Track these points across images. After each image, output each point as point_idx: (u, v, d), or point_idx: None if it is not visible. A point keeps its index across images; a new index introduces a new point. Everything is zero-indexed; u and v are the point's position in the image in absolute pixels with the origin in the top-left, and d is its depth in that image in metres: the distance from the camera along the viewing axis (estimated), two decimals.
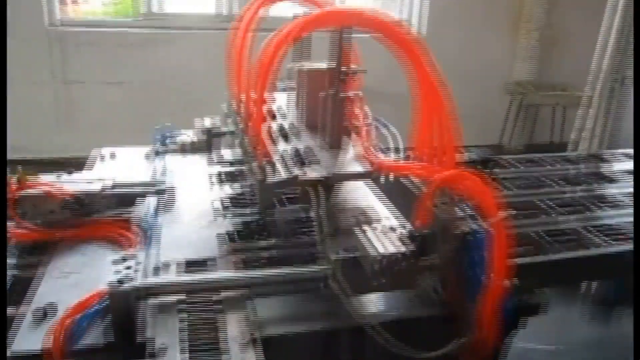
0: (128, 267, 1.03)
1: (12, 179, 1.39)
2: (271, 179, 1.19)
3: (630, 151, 2.26)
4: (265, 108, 1.32)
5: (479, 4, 5.19)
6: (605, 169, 2.07)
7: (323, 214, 1.13)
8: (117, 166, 1.83)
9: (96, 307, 1.04)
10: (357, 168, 1.28)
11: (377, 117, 1.63)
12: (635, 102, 2.79)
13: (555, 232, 1.53)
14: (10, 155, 3.06)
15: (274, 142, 1.38)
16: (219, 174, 1.76)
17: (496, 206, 1.07)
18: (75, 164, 1.72)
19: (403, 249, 1.02)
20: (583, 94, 3.26)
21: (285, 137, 1.43)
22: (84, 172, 1.70)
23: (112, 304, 1.00)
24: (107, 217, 1.44)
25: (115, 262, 1.05)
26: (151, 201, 1.52)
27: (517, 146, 5.24)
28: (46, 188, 1.38)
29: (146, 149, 1.98)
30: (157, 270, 1.17)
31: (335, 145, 1.38)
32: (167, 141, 1.97)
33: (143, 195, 1.53)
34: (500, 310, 1.09)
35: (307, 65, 1.53)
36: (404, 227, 1.18)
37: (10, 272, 1.32)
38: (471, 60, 5.12)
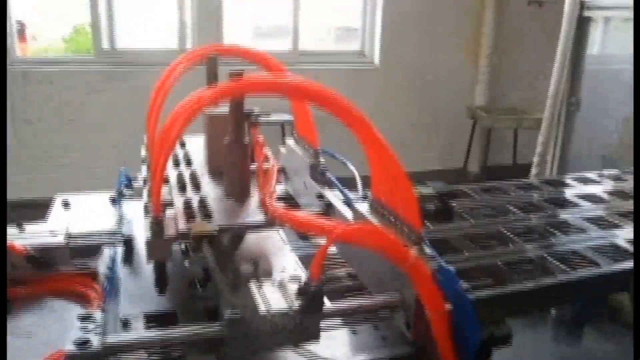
0: (88, 327, 1.00)
1: None
2: (160, 235, 1.16)
3: (585, 175, 2.33)
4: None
5: (433, 32, 5.34)
6: (565, 192, 2.13)
7: (215, 269, 1.08)
8: (80, 213, 1.79)
9: None
10: (257, 217, 1.27)
11: (324, 149, 1.65)
12: (636, 102, 2.86)
13: (518, 261, 1.56)
14: None
15: (170, 192, 1.36)
16: None
17: (405, 251, 1.07)
18: (34, 206, 1.68)
19: (295, 305, 0.99)
20: (532, 116, 3.37)
21: (183, 188, 1.41)
22: (46, 220, 1.67)
23: None
24: (69, 270, 1.40)
25: (82, 319, 1.02)
26: (112, 252, 1.49)
27: (480, 169, 5.37)
28: (8, 242, 1.34)
29: (109, 194, 1.95)
30: (117, 327, 1.15)
31: (237, 194, 1.36)
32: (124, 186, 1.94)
33: (104, 244, 1.51)
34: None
35: (213, 109, 1.50)
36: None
37: None
38: (433, 86, 5.27)
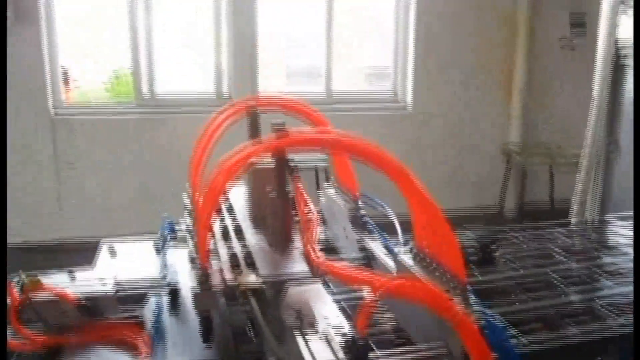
0: None
1: (13, 286, 1.39)
2: (207, 286, 1.19)
3: (625, 214, 2.27)
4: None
5: (468, 73, 5.37)
6: (608, 236, 2.09)
7: (263, 321, 1.10)
8: (125, 260, 1.83)
9: None
10: (302, 267, 1.28)
11: (364, 193, 1.66)
12: (636, 102, 2.81)
13: (569, 310, 1.52)
14: (12, 238, 3.07)
15: (215, 244, 1.37)
16: None
17: (452, 306, 1.06)
18: (75, 248, 1.72)
19: (341, 358, 0.99)
20: (567, 154, 3.33)
21: (227, 237, 1.43)
22: (93, 268, 1.71)
23: None
24: (117, 319, 1.43)
25: None
26: (158, 300, 1.52)
27: (516, 208, 5.28)
28: (58, 291, 1.38)
29: (151, 240, 2.00)
30: None
31: (279, 245, 1.38)
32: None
33: (151, 294, 1.54)
34: None
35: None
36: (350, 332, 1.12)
37: None
38: (468, 124, 5.26)
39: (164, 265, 1.76)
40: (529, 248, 1.99)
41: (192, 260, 1.31)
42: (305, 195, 1.48)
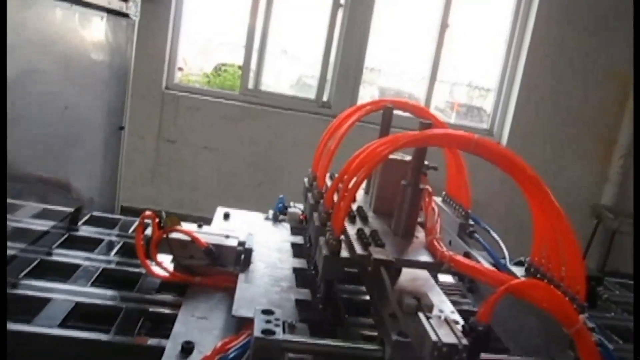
0: (277, 319, 1.12)
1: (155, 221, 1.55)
2: (340, 255, 1.28)
3: None
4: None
5: (567, 124, 5.28)
6: None
7: (384, 296, 1.17)
8: (236, 226, 1.97)
9: (238, 351, 1.13)
10: (425, 257, 1.34)
11: (476, 217, 1.70)
12: (636, 102, 2.70)
13: None
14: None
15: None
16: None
17: (575, 314, 1.08)
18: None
19: (464, 340, 1.03)
20: None
21: (353, 219, 1.51)
22: (212, 226, 1.86)
23: (257, 351, 1.08)
24: (236, 272, 1.55)
25: (264, 312, 1.14)
26: None
27: (597, 272, 5.08)
28: (194, 235, 1.52)
29: (256, 214, 2.16)
30: (291, 328, 1.26)
31: (404, 233, 1.45)
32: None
33: None
34: None
35: None
36: (464, 320, 1.18)
37: (143, 307, 1.46)
38: (559, 176, 5.15)
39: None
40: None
41: (320, 232, 1.41)
42: (430, 190, 1.56)
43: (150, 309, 1.45)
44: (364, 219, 1.52)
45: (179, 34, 5.11)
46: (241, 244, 1.62)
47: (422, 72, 5.51)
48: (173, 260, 1.55)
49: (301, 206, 2.17)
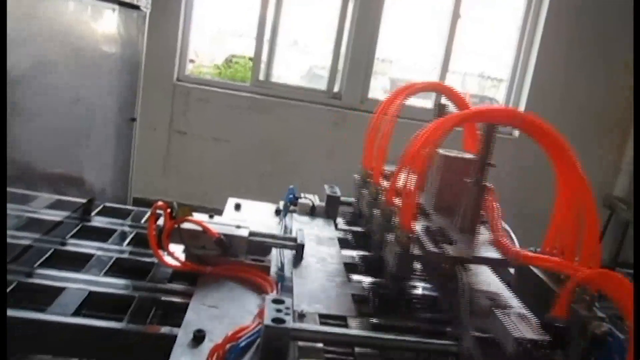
0: (287, 308, 1.13)
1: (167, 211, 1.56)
2: (413, 251, 1.28)
3: None
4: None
5: (580, 114, 5.23)
6: None
7: (462, 292, 1.19)
8: (247, 217, 1.98)
9: (249, 339, 1.14)
10: (495, 254, 1.34)
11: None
12: (636, 102, 2.68)
13: None
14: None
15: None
16: (347, 239, 1.89)
17: None
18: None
19: (545, 336, 1.04)
20: None
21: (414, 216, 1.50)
22: (223, 217, 1.87)
23: (267, 338, 1.10)
24: (247, 261, 1.57)
25: (275, 302, 1.15)
26: (285, 253, 1.64)
27: (610, 263, 5.05)
28: (205, 225, 1.54)
29: (267, 205, 2.17)
30: (301, 317, 1.27)
31: (468, 230, 1.45)
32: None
33: (277, 246, 1.66)
34: None
35: (442, 152, 1.64)
36: (535, 317, 1.19)
37: (155, 296, 1.48)
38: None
39: (285, 227, 1.90)
40: None
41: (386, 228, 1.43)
42: (493, 190, 1.55)
43: (163, 298, 1.47)
44: (426, 216, 1.53)
45: (190, 25, 5.11)
46: (292, 239, 1.67)
47: (434, 62, 5.47)
48: (185, 250, 1.56)
49: (312, 197, 2.18)
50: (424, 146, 1.32)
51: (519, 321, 1.10)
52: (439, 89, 1.98)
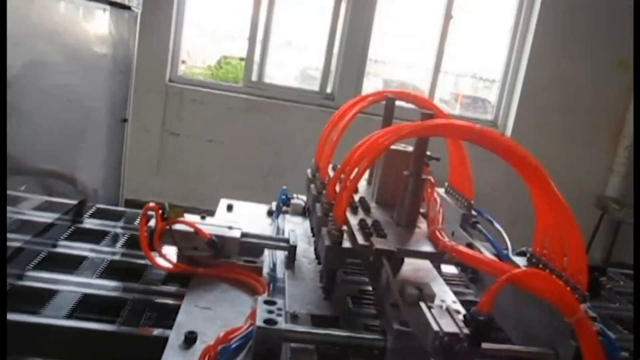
0: (279, 309, 1.13)
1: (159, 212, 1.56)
2: (343, 245, 1.30)
3: None
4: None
5: (572, 115, 5.26)
6: None
7: (386, 286, 1.18)
8: (240, 218, 1.98)
9: (240, 340, 1.14)
10: (427, 247, 1.34)
11: (479, 209, 1.70)
12: (636, 102, 2.70)
13: None
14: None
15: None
16: None
17: (575, 302, 1.08)
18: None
19: (465, 330, 1.03)
20: None
21: (355, 210, 1.51)
22: (215, 218, 1.87)
23: (259, 340, 1.10)
24: (239, 262, 1.57)
25: (267, 303, 1.15)
26: (277, 254, 1.65)
27: (602, 263, 5.08)
28: (196, 226, 1.54)
29: (260, 206, 2.18)
30: (293, 319, 1.27)
31: (406, 224, 1.45)
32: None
33: (269, 247, 1.67)
34: None
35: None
36: (465, 310, 1.18)
37: (149, 298, 1.48)
38: (564, 168, 5.12)
39: (277, 228, 1.90)
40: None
41: (322, 222, 1.42)
42: (433, 181, 1.56)
43: (156, 300, 1.47)
44: (367, 210, 1.52)
45: (182, 26, 5.11)
46: (284, 240, 1.66)
47: (427, 63, 5.49)
48: (177, 252, 1.56)
49: (305, 198, 2.18)
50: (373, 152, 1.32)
51: (442, 314, 1.08)
52: (410, 99, 1.86)
